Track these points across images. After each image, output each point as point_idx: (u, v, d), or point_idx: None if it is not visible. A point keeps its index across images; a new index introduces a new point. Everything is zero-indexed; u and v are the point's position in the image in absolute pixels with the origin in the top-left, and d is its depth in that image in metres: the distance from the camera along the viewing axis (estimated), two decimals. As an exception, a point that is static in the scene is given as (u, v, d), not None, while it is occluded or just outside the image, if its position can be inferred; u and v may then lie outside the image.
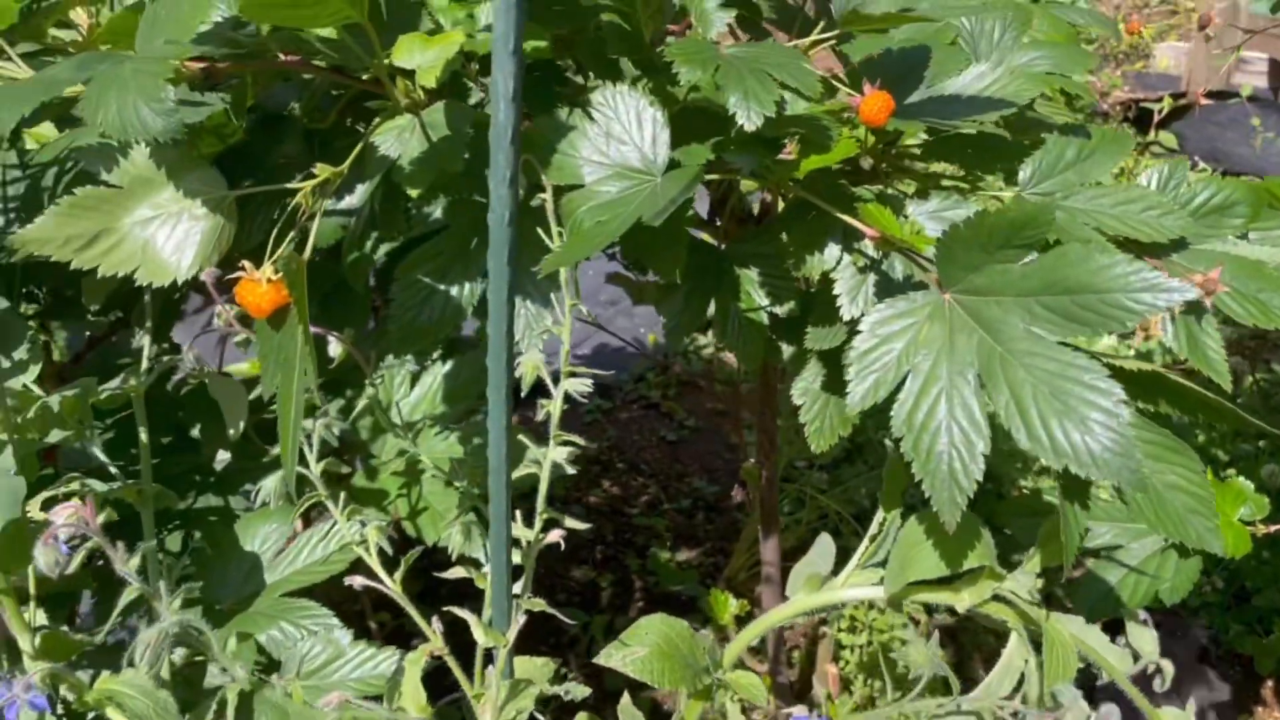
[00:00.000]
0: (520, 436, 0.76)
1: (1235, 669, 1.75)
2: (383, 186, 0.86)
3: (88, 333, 1.05)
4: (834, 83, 0.74)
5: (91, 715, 0.73)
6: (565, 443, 0.75)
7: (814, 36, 0.78)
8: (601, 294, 2.58)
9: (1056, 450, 0.61)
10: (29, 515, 0.72)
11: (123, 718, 0.69)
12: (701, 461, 2.39)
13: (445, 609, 0.73)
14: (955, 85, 0.79)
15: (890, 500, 0.91)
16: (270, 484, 0.83)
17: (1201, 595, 1.79)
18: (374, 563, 0.81)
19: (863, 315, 0.80)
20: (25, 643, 0.72)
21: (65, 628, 0.77)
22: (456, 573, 0.81)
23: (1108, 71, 3.26)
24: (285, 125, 0.91)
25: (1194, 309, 0.80)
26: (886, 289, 0.79)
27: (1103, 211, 0.81)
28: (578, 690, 0.73)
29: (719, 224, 1.01)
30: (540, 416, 0.78)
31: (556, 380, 0.76)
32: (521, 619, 0.71)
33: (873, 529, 0.91)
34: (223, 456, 1.01)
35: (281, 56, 0.74)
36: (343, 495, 0.84)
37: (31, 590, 0.72)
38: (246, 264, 0.63)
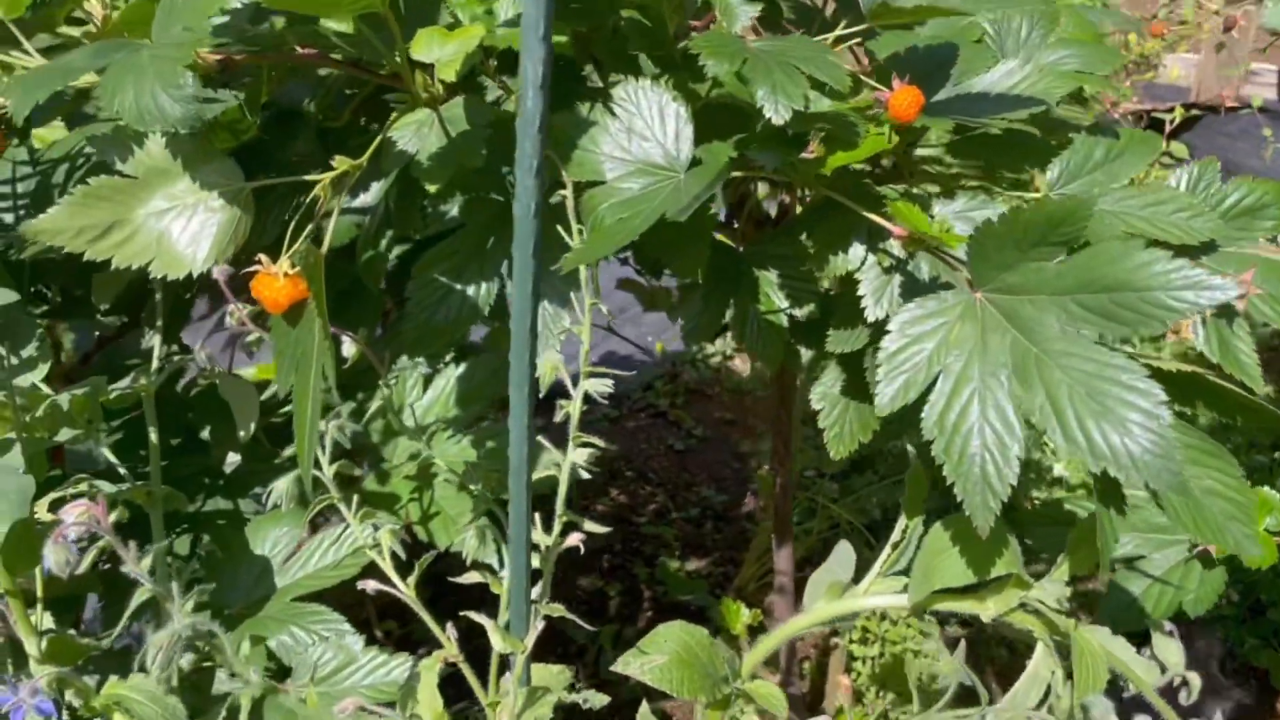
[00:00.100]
0: (539, 438, 0.74)
1: (1251, 682, 1.72)
2: (398, 184, 0.85)
3: (97, 333, 1.03)
4: (861, 79, 0.73)
5: (98, 721, 0.72)
6: (585, 444, 0.73)
7: (838, 32, 0.77)
8: (607, 301, 2.57)
9: (1095, 452, 0.59)
10: (36, 516, 0.71)
11: (130, 724, 0.68)
12: (709, 470, 2.38)
13: (462, 614, 0.71)
14: (983, 83, 0.78)
15: (912, 507, 0.90)
16: (282, 486, 0.81)
17: (1217, 608, 1.77)
18: (387, 567, 0.79)
19: (888, 316, 0.78)
20: (32, 646, 0.70)
21: (72, 631, 0.75)
22: (471, 578, 0.79)
23: (1117, 81, 3.25)
24: (299, 123, 0.89)
25: (1225, 312, 0.78)
26: (912, 290, 0.77)
27: (1132, 213, 0.80)
28: (596, 699, 0.71)
29: (736, 226, 1.00)
30: (559, 418, 0.76)
31: (575, 382, 0.75)
32: (540, 625, 0.69)
33: (895, 536, 0.89)
34: (232, 459, 0.99)
35: (299, 50, 0.73)
36: (355, 498, 0.83)
37: (39, 592, 0.71)
38: (264, 257, 0.61)
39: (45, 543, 0.57)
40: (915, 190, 0.79)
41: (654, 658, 0.79)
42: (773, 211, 1.03)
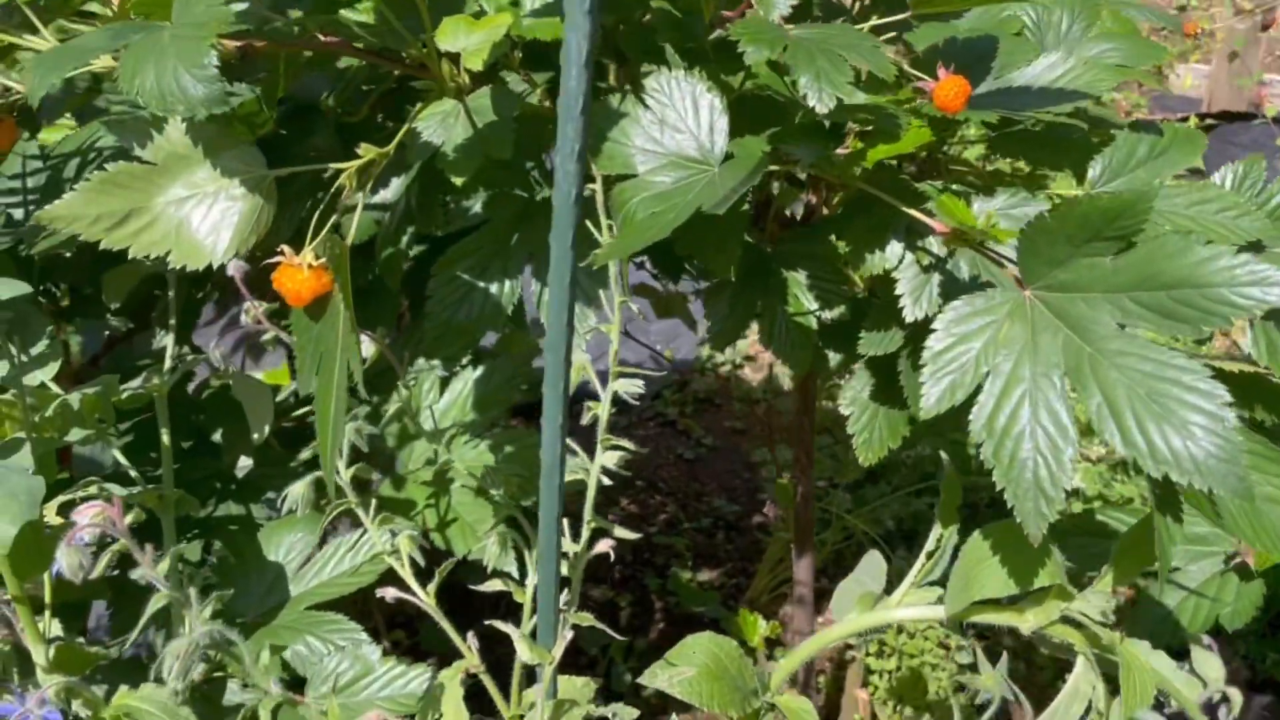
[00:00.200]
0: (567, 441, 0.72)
1: (1272, 697, 1.69)
2: (420, 179, 0.82)
3: (106, 332, 1.01)
4: (905, 70, 0.70)
5: (107, 732, 0.69)
6: (614, 447, 0.71)
7: (874, 22, 0.74)
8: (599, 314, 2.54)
9: (1156, 456, 0.56)
10: (45, 519, 0.68)
11: (141, 735, 0.65)
12: (720, 480, 2.35)
13: (487, 623, 0.68)
14: (1025, 76, 0.75)
15: (946, 515, 0.87)
16: (298, 490, 0.78)
17: (1236, 621, 1.74)
18: (407, 574, 0.77)
19: (927, 317, 0.76)
20: (39, 655, 0.67)
21: (81, 639, 0.72)
22: (493, 586, 0.76)
23: (1129, 90, 3.23)
24: (316, 117, 0.87)
25: (1274, 315, 0.76)
26: (952, 289, 0.75)
27: (1176, 211, 0.77)
28: (626, 713, 0.68)
29: (762, 226, 0.97)
30: (586, 420, 0.74)
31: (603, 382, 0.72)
32: (568, 635, 0.66)
33: (929, 545, 0.86)
34: (244, 463, 0.97)
35: (321, 37, 0.70)
36: (374, 504, 0.80)
37: (47, 598, 0.68)
38: (286, 248, 0.59)
39: (58, 546, 0.55)
40: (954, 187, 0.76)
41: (682, 670, 0.76)
42: (798, 211, 1.01)
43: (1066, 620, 0.80)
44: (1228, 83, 3.43)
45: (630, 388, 0.70)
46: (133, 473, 0.81)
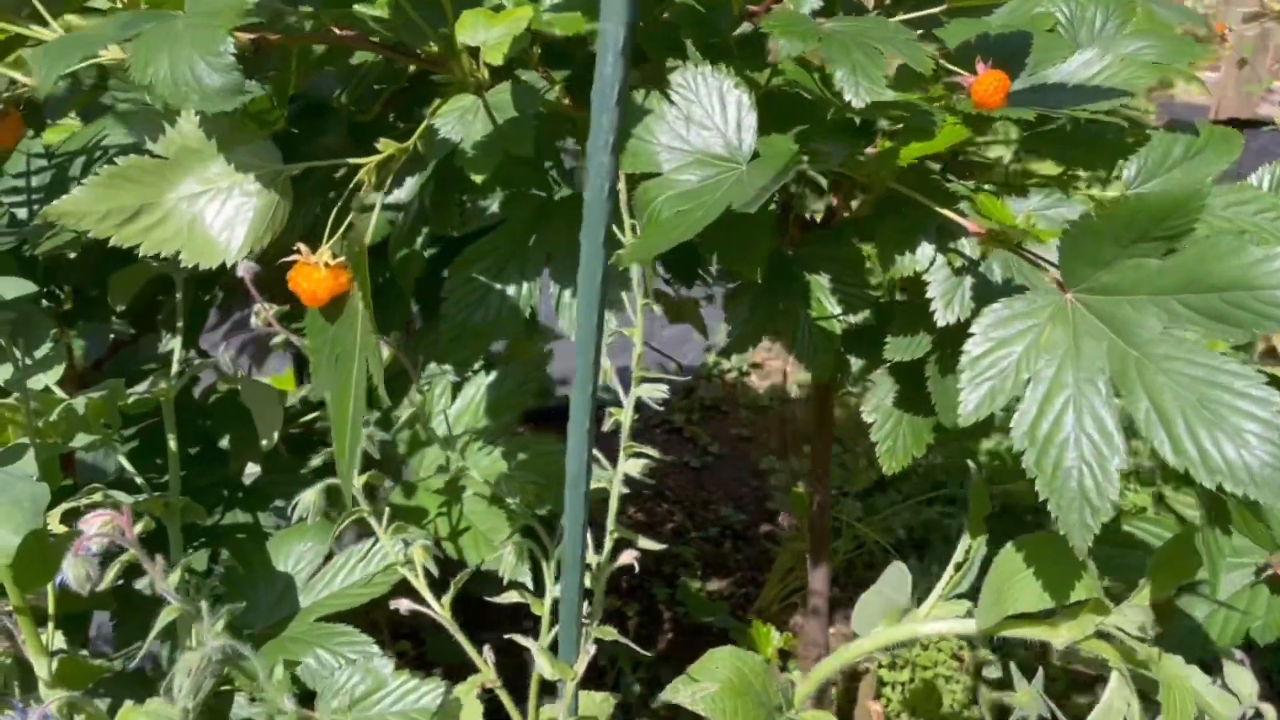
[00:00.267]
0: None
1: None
2: (435, 178, 0.80)
3: (111, 335, 0.98)
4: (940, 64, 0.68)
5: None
6: (637, 454, 0.68)
7: (903, 16, 0.72)
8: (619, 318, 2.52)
9: (1208, 466, 0.54)
10: (49, 528, 0.66)
11: (147, 753, 0.62)
12: (726, 489, 2.32)
13: (506, 636, 0.66)
14: (1060, 73, 0.73)
15: (975, 526, 0.85)
16: (309, 498, 0.76)
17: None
18: (421, 585, 0.74)
19: (959, 321, 0.74)
20: (42, 668, 0.65)
21: (84, 652, 0.70)
22: (510, 598, 0.74)
23: (1136, 98, 3.21)
24: (328, 116, 0.85)
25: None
26: (985, 292, 0.73)
27: (1213, 214, 0.76)
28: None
29: (782, 229, 0.95)
30: (608, 426, 0.71)
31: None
32: (591, 650, 0.64)
33: (956, 556, 0.84)
34: (251, 469, 0.94)
35: (336, 30, 0.68)
36: (387, 512, 0.78)
37: (50, 609, 0.66)
38: (303, 246, 0.56)
39: (64, 556, 0.52)
40: (986, 187, 0.74)
41: (705, 685, 0.74)
42: (810, 212, 0.99)
43: (1099, 634, 0.77)
44: (1236, 89, 3.42)
45: (654, 393, 0.68)
46: (138, 479, 0.79)
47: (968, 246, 0.73)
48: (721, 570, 2.02)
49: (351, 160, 0.59)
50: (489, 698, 0.76)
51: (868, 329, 0.88)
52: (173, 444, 0.77)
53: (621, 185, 0.68)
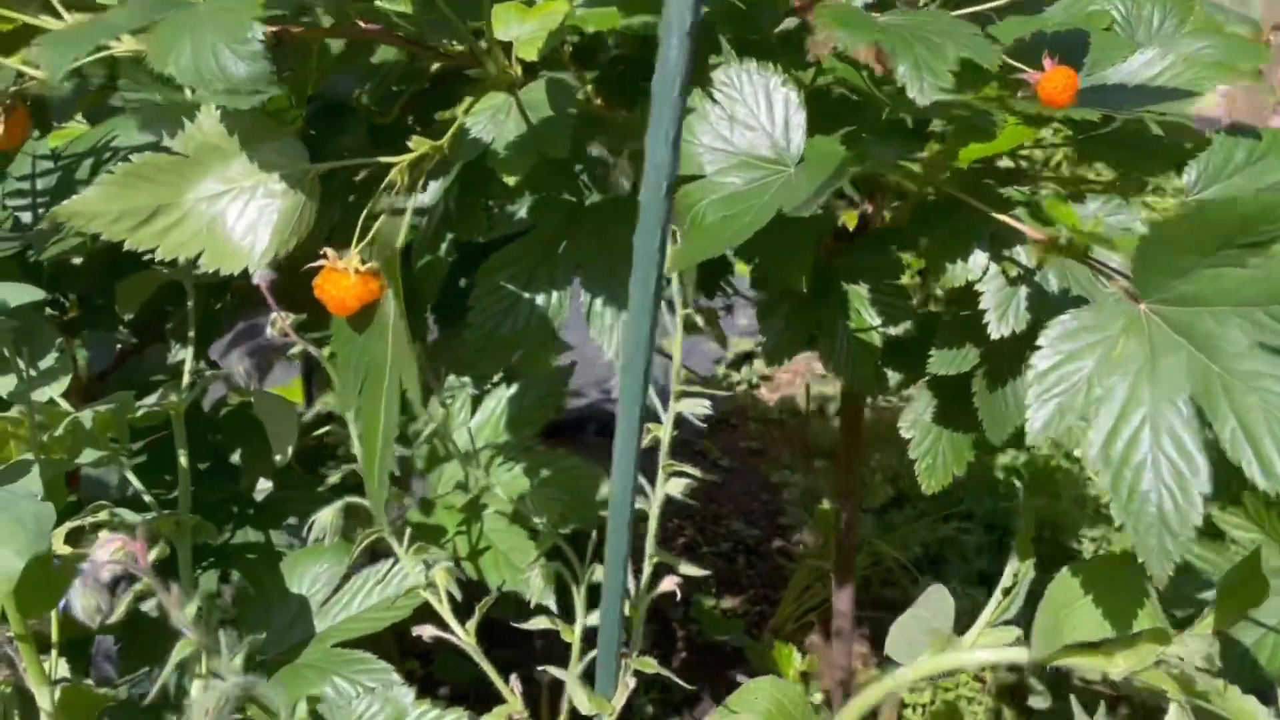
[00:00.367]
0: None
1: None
2: (460, 182, 0.76)
3: (118, 345, 0.94)
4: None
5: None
6: (677, 473, 0.65)
7: (957, 12, 0.69)
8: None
9: (1304, 489, 0.50)
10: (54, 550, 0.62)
11: (156, 791, 0.59)
12: (737, 503, 2.28)
13: (541, 668, 0.62)
14: (1120, 73, 0.70)
15: (1023, 549, 0.81)
16: (326, 517, 0.72)
17: None
18: (445, 610, 0.70)
19: (1013, 334, 0.70)
20: (44, 698, 0.61)
21: (88, 680, 0.66)
22: (539, 623, 0.70)
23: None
24: (347, 116, 0.82)
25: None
26: (1041, 303, 0.69)
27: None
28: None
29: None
30: (646, 442, 0.67)
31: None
32: (631, 683, 0.60)
33: (1004, 581, 0.80)
34: (263, 485, 0.90)
35: (361, 24, 0.65)
36: (407, 533, 0.74)
37: (54, 636, 0.62)
38: (330, 251, 0.53)
39: (69, 580, 0.48)
40: (1043, 192, 0.71)
41: (744, 717, 0.70)
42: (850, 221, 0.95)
43: (1157, 663, 0.74)
44: (1247, 99, 3.39)
45: (696, 408, 0.64)
46: (146, 496, 0.75)
47: (1023, 255, 0.69)
48: (734, 587, 1.98)
49: (383, 159, 0.55)
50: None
51: (909, 341, 0.84)
52: (184, 459, 0.73)
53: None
